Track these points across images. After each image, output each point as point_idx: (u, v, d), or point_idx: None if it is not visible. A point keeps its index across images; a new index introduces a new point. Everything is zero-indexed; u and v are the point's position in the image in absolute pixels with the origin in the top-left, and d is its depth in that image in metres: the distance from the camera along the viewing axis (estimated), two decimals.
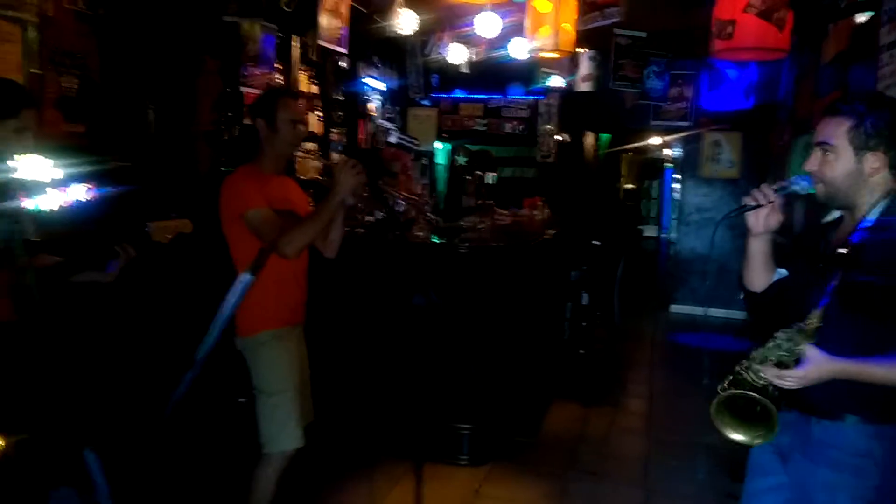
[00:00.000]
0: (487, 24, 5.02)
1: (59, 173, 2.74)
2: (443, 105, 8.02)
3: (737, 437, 1.78)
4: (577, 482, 3.72)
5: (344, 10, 5.02)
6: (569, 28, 4.38)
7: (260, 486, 2.63)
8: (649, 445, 4.32)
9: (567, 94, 7.50)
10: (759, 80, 7.44)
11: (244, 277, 1.43)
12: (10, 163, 2.56)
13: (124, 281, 2.52)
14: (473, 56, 6.45)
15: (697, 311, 8.35)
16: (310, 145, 6.08)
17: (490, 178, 5.19)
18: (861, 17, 4.23)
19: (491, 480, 3.71)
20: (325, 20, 4.79)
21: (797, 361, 1.69)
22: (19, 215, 2.58)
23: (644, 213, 13.40)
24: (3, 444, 2.53)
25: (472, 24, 5.39)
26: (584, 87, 6.88)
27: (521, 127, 7.79)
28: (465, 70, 6.69)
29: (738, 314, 6.95)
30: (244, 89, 4.92)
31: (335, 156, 6.30)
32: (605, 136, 9.98)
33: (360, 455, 3.84)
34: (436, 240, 4.20)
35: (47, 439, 2.55)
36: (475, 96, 7.91)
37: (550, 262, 5.23)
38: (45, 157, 2.71)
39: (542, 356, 5.06)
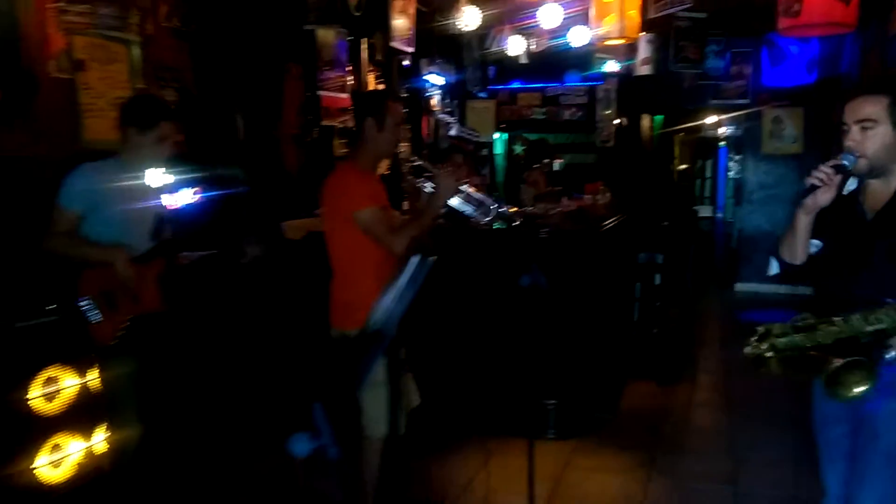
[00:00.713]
0: (550, 16, 5.16)
1: (170, 179, 3.04)
2: (500, 96, 8.17)
3: (858, 390, 1.95)
4: (663, 454, 3.87)
5: (411, 10, 5.23)
6: (634, 14, 4.49)
7: (364, 465, 2.85)
8: (731, 418, 4.43)
9: (625, 78, 7.56)
10: (821, 54, 7.36)
11: (414, 260, 1.64)
12: (150, 170, 2.87)
13: (264, 273, 2.79)
14: (533, 47, 6.58)
15: (762, 288, 8.32)
16: None
17: (557, 164, 5.34)
18: None
19: (579, 453, 3.89)
20: (395, 22, 5.00)
21: None
22: (163, 217, 2.89)
23: (697, 194, 13.30)
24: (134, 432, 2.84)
25: (532, 17, 5.53)
26: (644, 70, 6.94)
27: (579, 113, 7.89)
28: (523, 61, 6.83)
29: (803, 290, 6.93)
30: (321, 93, 5.18)
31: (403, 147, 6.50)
32: (658, 118, 9.97)
33: (448, 432, 4.05)
34: (498, 226, 4.36)
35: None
36: (533, 85, 8.04)
37: (618, 245, 5.35)
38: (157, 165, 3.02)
39: (616, 336, 5.19)
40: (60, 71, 3.48)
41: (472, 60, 7.62)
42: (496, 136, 8.44)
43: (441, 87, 7.60)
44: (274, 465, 3.49)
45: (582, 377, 4.31)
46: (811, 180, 2.02)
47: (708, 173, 12.97)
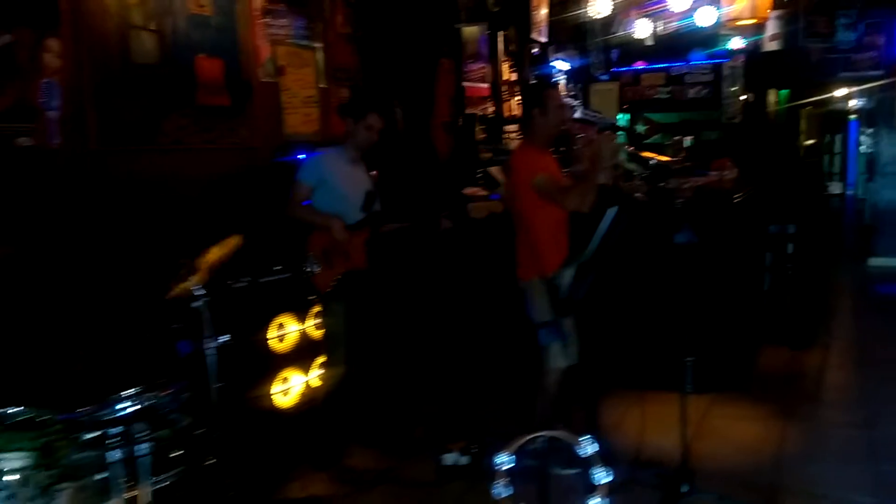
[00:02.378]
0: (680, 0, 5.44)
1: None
2: (624, 78, 8.42)
3: None
4: (800, 405, 4.15)
5: (546, 2, 5.66)
6: None
7: (544, 394, 3.38)
8: (864, 377, 4.61)
9: (752, 54, 7.64)
10: None
11: (611, 211, 2.12)
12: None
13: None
14: (660, 29, 6.83)
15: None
16: (511, 127, 6.81)
17: (687, 141, 5.63)
18: None
19: (717, 404, 4.23)
20: (535, 14, 5.45)
21: None
22: (373, 194, 3.54)
23: (826, 170, 12.84)
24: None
25: (660, 1, 5.81)
26: (772, 46, 7.02)
27: (704, 91, 8.00)
28: (649, 43, 7.09)
29: None
30: (465, 84, 5.73)
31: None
32: (783, 92, 9.83)
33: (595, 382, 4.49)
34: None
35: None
36: (657, 66, 8.22)
37: (748, 216, 5.58)
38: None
39: (748, 302, 5.44)
40: (267, 76, 4.21)
41: (595, 45, 7.94)
42: (619, 117, 8.70)
43: (566, 72, 7.98)
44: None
45: (718, 337, 4.63)
46: None
47: (837, 148, 12.52)
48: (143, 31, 3.42)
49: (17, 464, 1.69)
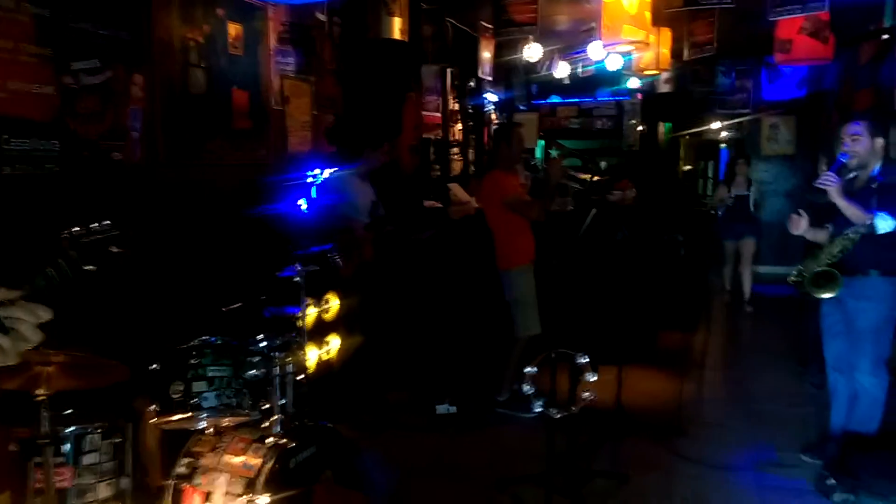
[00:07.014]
0: (597, 51, 6.74)
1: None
2: (542, 109, 9.76)
3: (826, 294, 3.43)
4: (690, 370, 5.46)
5: (492, 47, 6.82)
6: (666, 52, 6.07)
7: (514, 356, 4.45)
8: (735, 349, 6.01)
9: (647, 94, 9.16)
10: (809, 74, 8.97)
11: (592, 211, 3.21)
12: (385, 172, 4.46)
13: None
14: (579, 71, 8.17)
15: (762, 269, 9.92)
16: (454, 149, 7.92)
17: (604, 164, 6.92)
18: (885, 36, 5.85)
19: (631, 370, 5.46)
20: (482, 56, 6.58)
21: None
22: (376, 203, 4.50)
23: (700, 192, 14.81)
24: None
25: (581, 51, 7.11)
26: (665, 88, 8.53)
27: (609, 123, 9.46)
28: (566, 82, 8.42)
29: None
30: (424, 113, 6.78)
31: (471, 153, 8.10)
32: (667, 125, 11.51)
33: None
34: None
35: None
36: (569, 100, 9.62)
37: (650, 225, 6.93)
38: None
39: (648, 295, 6.78)
40: (276, 105, 5.08)
41: (519, 81, 9.21)
42: (537, 142, 10.02)
43: (495, 104, 9.19)
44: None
45: (631, 320, 5.89)
46: (818, 183, 3.41)
47: (710, 173, 14.48)
48: (197, 68, 4.24)
49: (221, 374, 2.53)
